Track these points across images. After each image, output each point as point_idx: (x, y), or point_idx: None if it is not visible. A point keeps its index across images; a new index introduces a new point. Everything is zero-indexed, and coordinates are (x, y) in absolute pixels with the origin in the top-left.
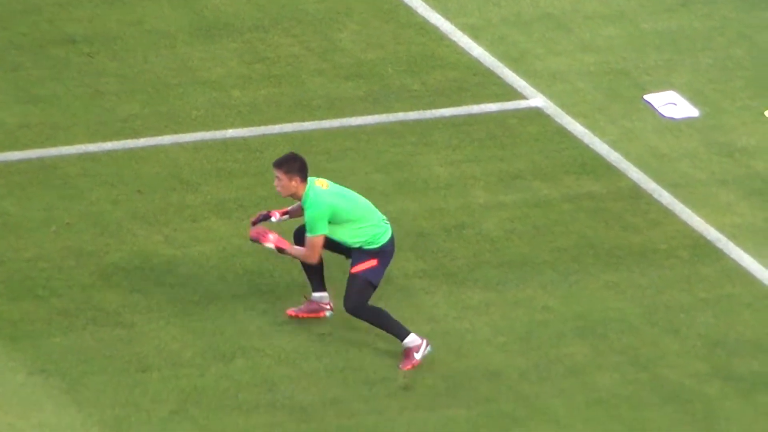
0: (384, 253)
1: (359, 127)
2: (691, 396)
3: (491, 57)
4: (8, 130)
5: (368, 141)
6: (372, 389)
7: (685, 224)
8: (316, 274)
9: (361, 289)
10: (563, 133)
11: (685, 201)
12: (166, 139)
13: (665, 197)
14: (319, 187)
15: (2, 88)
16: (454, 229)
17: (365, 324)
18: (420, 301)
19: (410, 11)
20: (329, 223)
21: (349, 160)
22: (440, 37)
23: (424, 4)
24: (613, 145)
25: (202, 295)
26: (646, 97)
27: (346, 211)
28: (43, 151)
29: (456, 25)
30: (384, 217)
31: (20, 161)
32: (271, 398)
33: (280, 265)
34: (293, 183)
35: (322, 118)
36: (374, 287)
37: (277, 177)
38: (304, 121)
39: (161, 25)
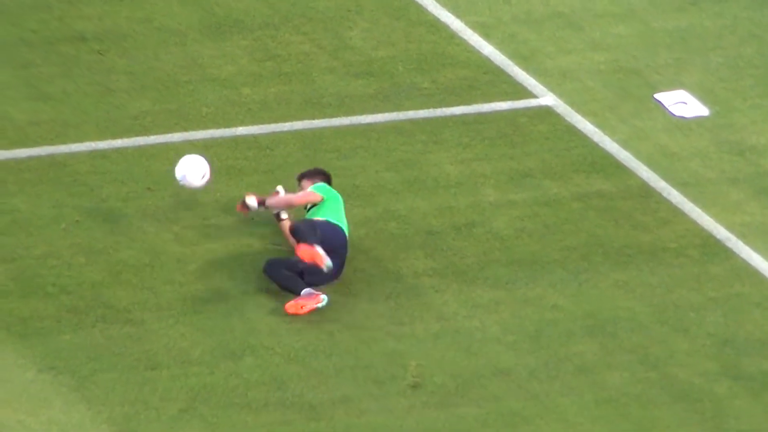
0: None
1: (369, 125)
2: (701, 395)
3: (501, 55)
4: (18, 127)
5: (378, 139)
6: (381, 388)
7: (694, 223)
8: (293, 280)
9: (301, 229)
10: (573, 131)
11: (695, 200)
12: (177, 137)
13: (675, 196)
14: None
15: (12, 85)
16: (464, 228)
17: (375, 323)
18: (430, 300)
19: (421, 9)
20: (317, 209)
21: (360, 158)
22: (451, 36)
23: (434, 2)
24: (623, 143)
25: (212, 293)
26: (657, 95)
27: (333, 202)
28: (53, 148)
29: (466, 23)
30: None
31: (30, 158)
32: (281, 396)
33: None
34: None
35: (332, 116)
36: (318, 229)
37: (300, 187)
38: (314, 119)
39: (171, 22)
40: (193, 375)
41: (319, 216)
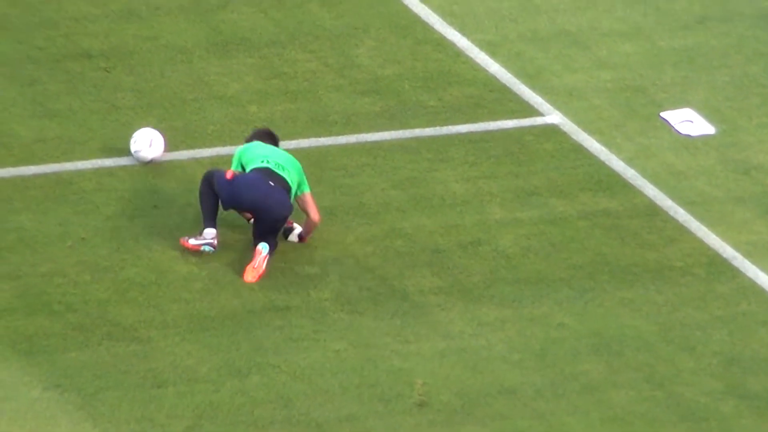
0: (240, 181)
1: (376, 143)
2: (707, 414)
3: (508, 73)
4: (24, 144)
5: (385, 157)
6: (387, 406)
7: (701, 242)
8: (210, 210)
9: (211, 173)
10: (579, 150)
11: (702, 218)
12: (183, 154)
13: (681, 214)
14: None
15: (18, 103)
16: (470, 246)
17: (381, 341)
18: (436, 318)
19: (427, 27)
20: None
21: (366, 176)
22: (457, 54)
23: (441, 20)
24: (630, 162)
25: (218, 310)
26: (663, 114)
27: (250, 152)
28: (59, 165)
29: (473, 41)
30: (271, 161)
31: (36, 176)
32: (287, 414)
33: (296, 281)
34: None
35: (338, 134)
36: (216, 188)
37: None
38: (320, 136)
39: (177, 40)
40: (199, 393)
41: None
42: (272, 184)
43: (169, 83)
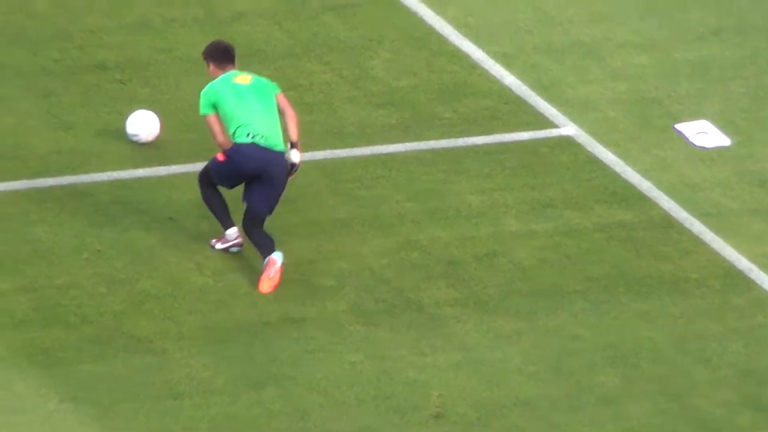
0: (235, 154)
1: (391, 154)
2: (722, 426)
3: (523, 85)
4: (40, 156)
5: (400, 169)
6: (403, 418)
7: (716, 254)
8: (222, 210)
9: (205, 169)
10: (595, 161)
11: (717, 230)
12: (199, 166)
13: (697, 226)
14: (223, 75)
15: (34, 115)
16: (486, 258)
17: (396, 353)
18: (451, 330)
19: (442, 39)
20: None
21: (381, 188)
22: (472, 65)
23: (456, 32)
24: (645, 174)
25: (234, 322)
26: (678, 126)
27: (226, 104)
28: (75, 177)
29: (488, 53)
30: (256, 134)
31: (52, 188)
32: (303, 427)
33: (312, 293)
34: (210, 70)
35: (353, 146)
36: (213, 178)
37: (208, 68)
38: (335, 148)
39: (193, 51)
40: (215, 405)
41: (234, 138)
42: (267, 147)
43: (185, 95)
